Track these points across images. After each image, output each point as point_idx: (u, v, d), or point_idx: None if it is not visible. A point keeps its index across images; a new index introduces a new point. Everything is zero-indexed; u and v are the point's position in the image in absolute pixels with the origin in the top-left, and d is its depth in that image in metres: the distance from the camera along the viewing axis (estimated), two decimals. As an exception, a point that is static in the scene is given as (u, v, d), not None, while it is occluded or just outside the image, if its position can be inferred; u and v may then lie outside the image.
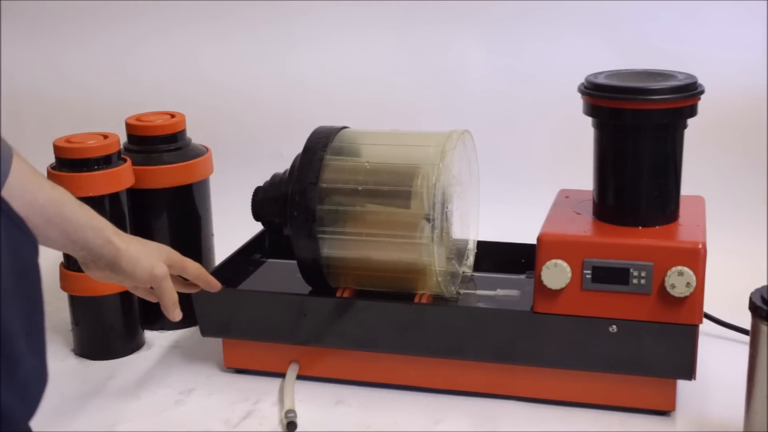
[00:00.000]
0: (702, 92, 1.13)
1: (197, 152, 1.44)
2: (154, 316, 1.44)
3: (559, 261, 1.12)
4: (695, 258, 1.08)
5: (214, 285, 1.18)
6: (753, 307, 1.02)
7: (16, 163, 0.92)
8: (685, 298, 1.08)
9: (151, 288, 1.13)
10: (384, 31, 2.12)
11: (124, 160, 1.36)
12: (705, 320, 1.19)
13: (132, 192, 1.37)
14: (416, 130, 1.33)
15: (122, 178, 1.33)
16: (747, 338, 1.09)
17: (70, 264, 1.34)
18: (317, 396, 1.23)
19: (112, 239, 1.06)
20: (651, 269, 1.09)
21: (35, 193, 0.96)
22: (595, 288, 1.11)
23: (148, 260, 1.09)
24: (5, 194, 0.89)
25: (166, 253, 1.13)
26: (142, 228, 1.40)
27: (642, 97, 1.10)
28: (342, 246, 1.23)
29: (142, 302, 1.40)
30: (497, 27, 2.08)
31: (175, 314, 1.13)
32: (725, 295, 1.32)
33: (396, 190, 1.21)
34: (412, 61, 2.11)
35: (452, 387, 1.22)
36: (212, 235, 1.49)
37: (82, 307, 1.36)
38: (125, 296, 1.36)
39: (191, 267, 1.16)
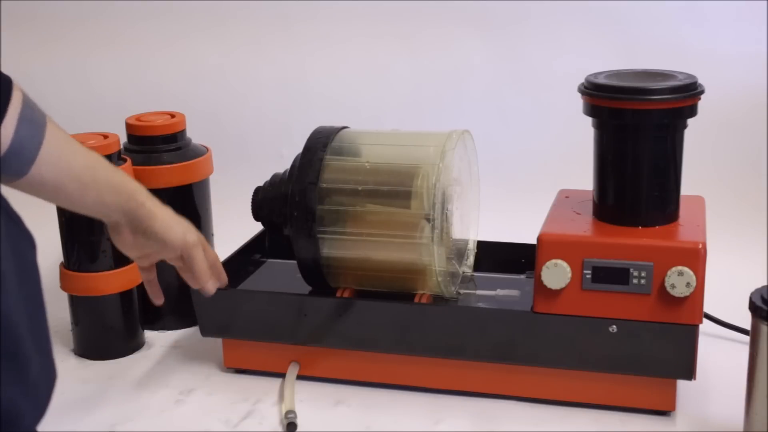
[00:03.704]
0: (702, 92, 1.13)
1: (197, 152, 1.44)
2: (154, 316, 1.44)
3: (559, 261, 1.12)
4: (695, 258, 1.08)
5: (224, 279, 1.18)
6: (753, 307, 1.02)
7: (50, 129, 0.92)
8: (685, 298, 1.08)
9: (181, 259, 1.11)
10: (384, 31, 2.12)
11: (124, 160, 1.36)
12: (705, 320, 1.18)
13: (132, 192, 1.37)
14: (416, 130, 1.33)
15: (122, 178, 1.33)
16: (747, 338, 1.09)
17: (70, 264, 1.35)
18: (317, 396, 1.23)
19: (147, 203, 1.05)
20: (651, 269, 1.09)
21: (70, 160, 0.96)
22: (595, 288, 1.11)
23: (180, 226, 1.08)
24: (40, 162, 0.90)
25: (194, 227, 1.12)
26: (142, 228, 1.40)
27: (642, 97, 1.10)
28: (342, 246, 1.23)
29: (142, 302, 1.40)
30: (497, 27, 2.08)
31: (210, 285, 1.11)
32: (725, 295, 1.32)
33: (396, 190, 1.21)
34: (413, 61, 2.11)
35: (452, 387, 1.22)
36: (212, 235, 1.49)
37: (82, 307, 1.36)
38: (125, 296, 1.37)
39: (211, 252, 1.14)
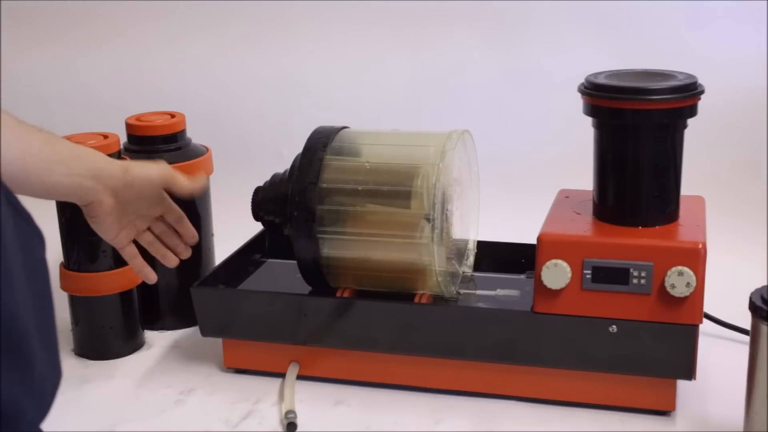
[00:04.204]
0: (702, 92, 1.13)
1: (197, 152, 1.44)
2: (154, 316, 1.44)
3: (559, 261, 1.12)
4: (695, 258, 1.08)
5: (192, 234, 1.21)
6: (753, 307, 1.02)
7: (5, 117, 0.91)
8: (685, 298, 1.08)
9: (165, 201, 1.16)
10: (384, 31, 2.12)
11: (124, 160, 1.35)
12: (705, 320, 1.18)
13: (132, 192, 1.37)
14: (416, 130, 1.33)
15: (122, 178, 1.33)
16: (747, 338, 1.09)
17: (70, 264, 1.35)
18: (317, 396, 1.23)
19: (114, 161, 1.08)
20: (651, 269, 1.09)
21: (27, 139, 0.95)
22: (595, 288, 1.11)
23: (153, 162, 1.13)
24: None
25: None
26: (142, 228, 1.40)
27: (642, 97, 1.10)
28: (342, 246, 1.23)
29: (142, 302, 1.40)
30: (497, 27, 2.08)
31: (201, 182, 1.18)
32: (725, 295, 1.32)
33: (396, 190, 1.21)
34: (412, 61, 2.11)
35: (452, 387, 1.22)
36: (212, 235, 1.49)
37: (82, 307, 1.36)
38: (125, 296, 1.37)
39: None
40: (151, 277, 1.20)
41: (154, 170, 1.12)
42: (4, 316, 0.65)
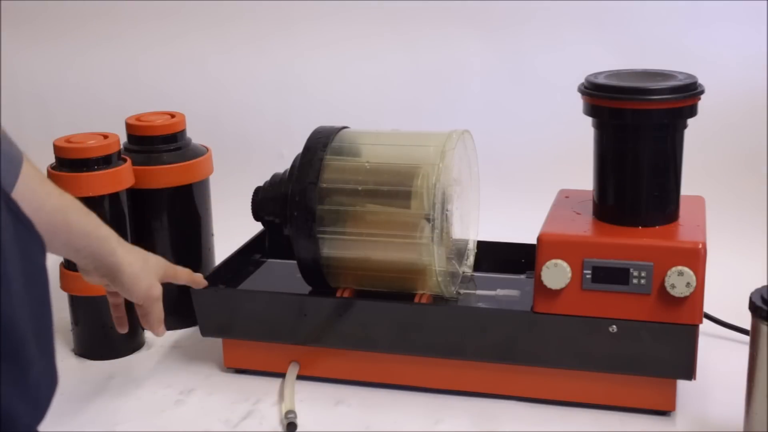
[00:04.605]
0: (702, 92, 1.13)
1: (197, 152, 1.44)
2: (154, 316, 1.44)
3: (559, 261, 1.12)
4: (695, 258, 1.08)
5: (200, 282, 1.24)
6: (753, 307, 1.02)
7: (25, 167, 0.92)
8: (685, 298, 1.08)
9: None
10: (384, 31, 2.12)
11: (124, 160, 1.36)
12: (705, 320, 1.18)
13: (132, 192, 1.37)
14: (416, 130, 1.33)
15: (122, 178, 1.33)
16: (747, 338, 1.09)
17: (70, 264, 1.34)
18: (317, 396, 1.23)
19: (117, 251, 1.08)
20: (651, 269, 1.09)
21: (42, 200, 0.96)
22: (595, 288, 1.11)
23: (147, 279, 1.12)
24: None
25: (162, 269, 1.17)
26: (142, 228, 1.40)
27: (642, 97, 1.10)
28: (342, 246, 1.23)
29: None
30: (497, 27, 2.08)
31: (160, 331, 1.17)
32: (725, 295, 1.32)
33: (396, 190, 1.21)
34: (412, 61, 2.11)
35: (452, 387, 1.22)
36: (212, 235, 1.49)
37: (82, 307, 1.36)
38: (125, 296, 1.37)
39: (182, 276, 1.21)
40: (121, 330, 1.23)
41: (139, 290, 1.11)
42: (2, 321, 0.66)
